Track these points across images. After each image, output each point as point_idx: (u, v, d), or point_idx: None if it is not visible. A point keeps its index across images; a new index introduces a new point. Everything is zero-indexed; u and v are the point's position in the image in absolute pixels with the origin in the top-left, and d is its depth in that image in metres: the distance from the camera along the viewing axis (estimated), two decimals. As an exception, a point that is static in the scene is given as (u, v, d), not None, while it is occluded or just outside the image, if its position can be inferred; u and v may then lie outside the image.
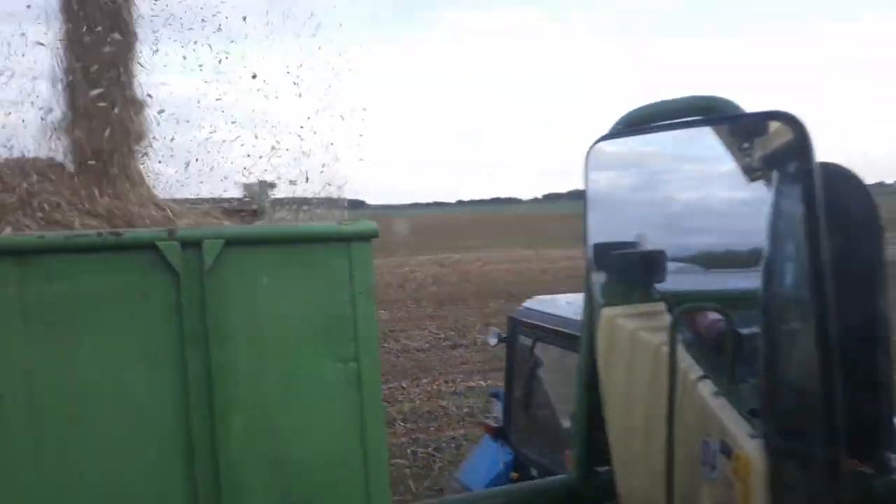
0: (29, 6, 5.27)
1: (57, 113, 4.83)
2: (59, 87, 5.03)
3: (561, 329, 5.02)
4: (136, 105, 5.40)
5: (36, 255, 3.09)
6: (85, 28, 5.06)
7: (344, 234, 3.55)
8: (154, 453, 3.26)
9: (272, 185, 6.13)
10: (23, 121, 4.94)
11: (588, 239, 1.44)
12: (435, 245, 37.27)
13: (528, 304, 6.17)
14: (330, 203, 6.55)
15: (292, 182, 5.97)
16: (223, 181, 5.82)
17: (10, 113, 5.15)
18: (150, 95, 5.26)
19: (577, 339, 4.72)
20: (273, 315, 3.44)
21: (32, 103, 5.04)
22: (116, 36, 5.23)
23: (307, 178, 6.39)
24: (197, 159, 5.85)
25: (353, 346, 3.56)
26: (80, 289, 3.15)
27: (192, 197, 5.56)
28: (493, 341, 6.72)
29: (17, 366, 3.07)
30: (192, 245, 3.26)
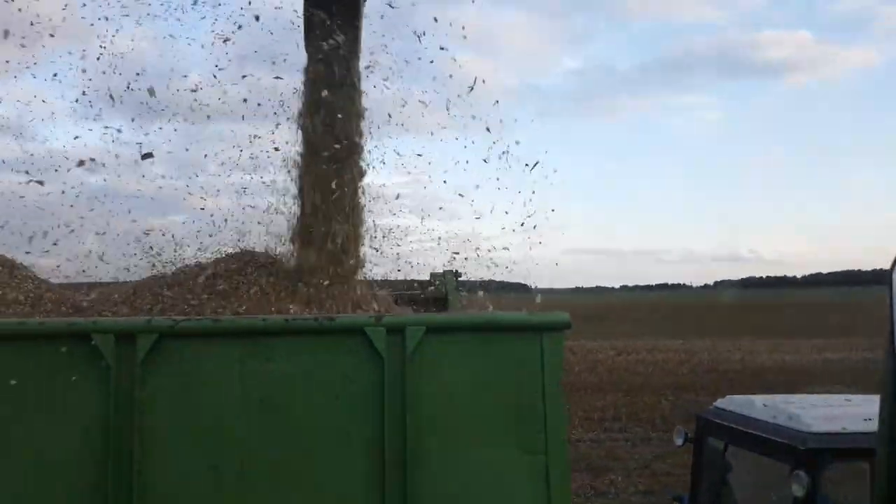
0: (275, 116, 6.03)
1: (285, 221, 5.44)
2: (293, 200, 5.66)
3: (759, 434, 4.67)
4: (359, 214, 5.96)
5: (258, 337, 3.36)
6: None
7: (537, 325, 3.57)
8: None
9: (458, 274, 6.32)
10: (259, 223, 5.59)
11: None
12: (600, 331, 36.32)
13: (720, 403, 5.81)
14: (506, 287, 6.66)
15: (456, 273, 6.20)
16: (403, 266, 6.12)
17: (244, 208, 5.82)
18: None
19: (775, 446, 4.35)
20: (466, 402, 3.49)
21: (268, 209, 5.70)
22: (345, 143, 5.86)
23: (494, 264, 6.58)
24: (378, 246, 6.20)
25: (542, 439, 3.52)
26: (294, 368, 3.38)
27: (378, 279, 5.84)
28: (679, 441, 6.33)
29: (232, 439, 3.31)
30: (396, 331, 3.42)
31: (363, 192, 5.87)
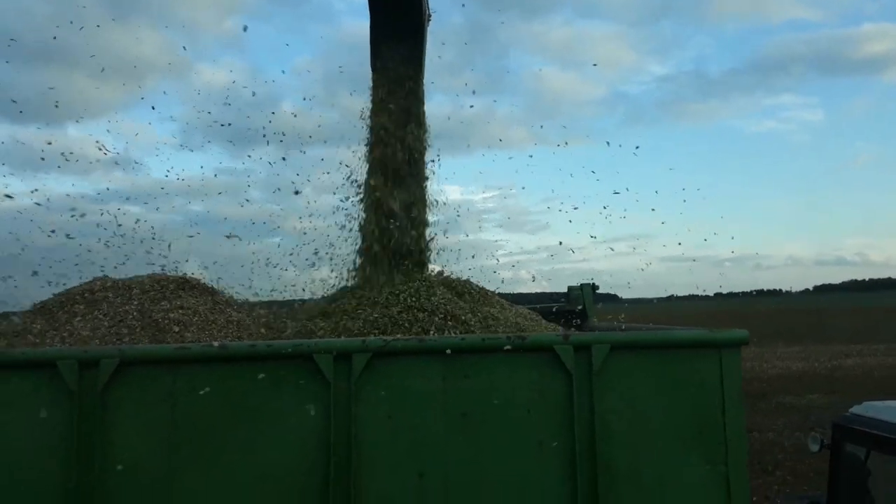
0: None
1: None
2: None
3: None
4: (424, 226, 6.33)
5: (457, 354, 3.67)
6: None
7: (716, 341, 3.74)
8: None
9: (595, 287, 6.53)
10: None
11: None
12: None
13: (857, 409, 5.76)
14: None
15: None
16: (493, 277, 6.32)
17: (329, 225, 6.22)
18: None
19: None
20: (649, 416, 3.69)
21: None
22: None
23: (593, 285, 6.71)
24: (473, 256, 6.44)
25: (722, 450, 3.69)
26: (489, 384, 3.67)
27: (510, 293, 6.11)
28: (815, 447, 6.30)
29: (436, 449, 3.62)
30: (583, 348, 3.67)
31: (429, 207, 6.28)
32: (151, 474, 3.48)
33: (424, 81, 6.64)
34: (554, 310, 6.32)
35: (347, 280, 6.12)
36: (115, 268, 5.52)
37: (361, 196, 6.34)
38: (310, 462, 3.55)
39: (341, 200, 6.39)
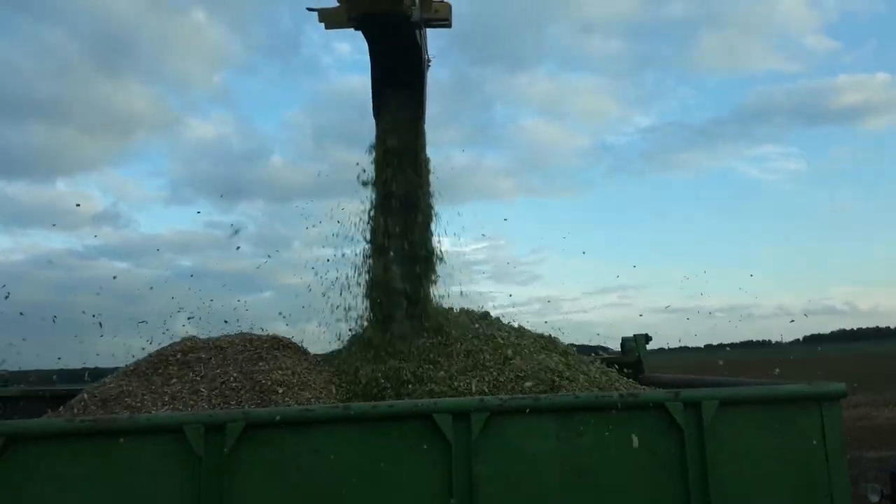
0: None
1: None
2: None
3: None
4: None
5: (570, 412, 3.75)
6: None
7: (816, 395, 3.86)
8: None
9: (648, 338, 6.63)
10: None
11: None
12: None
13: None
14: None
15: None
16: None
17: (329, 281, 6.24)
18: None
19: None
20: (758, 471, 3.78)
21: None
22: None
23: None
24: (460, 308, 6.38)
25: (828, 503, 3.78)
26: (603, 442, 3.74)
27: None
28: (874, 498, 6.38)
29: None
30: (692, 405, 3.76)
31: (437, 257, 6.30)
32: (277, 538, 3.49)
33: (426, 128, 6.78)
34: (603, 357, 6.35)
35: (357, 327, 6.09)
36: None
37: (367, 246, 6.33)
38: None
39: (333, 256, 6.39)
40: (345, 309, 6.00)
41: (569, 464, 3.71)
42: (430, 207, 6.45)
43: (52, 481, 3.42)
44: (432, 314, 5.75)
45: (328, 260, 6.33)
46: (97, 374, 5.78)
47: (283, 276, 6.69)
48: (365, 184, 6.50)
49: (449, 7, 6.69)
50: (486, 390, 4.71)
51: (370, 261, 6.17)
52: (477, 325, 5.54)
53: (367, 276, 6.11)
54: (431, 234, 6.35)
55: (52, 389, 5.66)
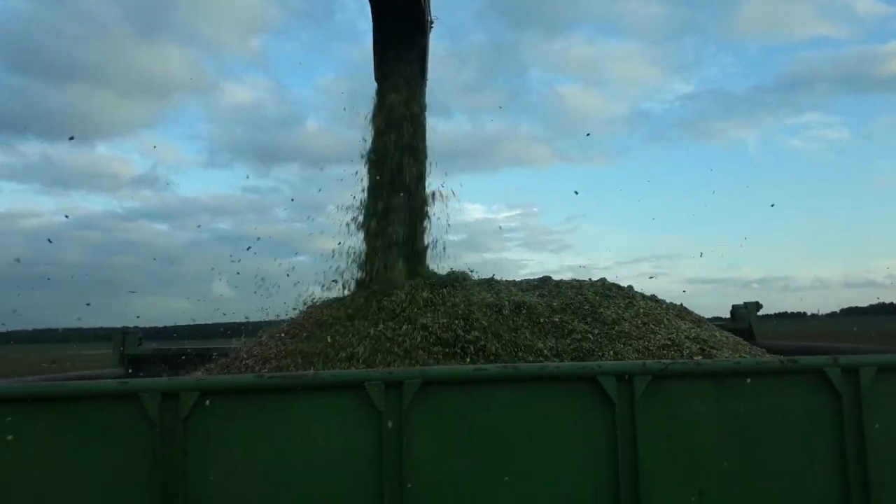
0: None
1: None
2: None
3: None
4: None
5: (730, 377, 3.84)
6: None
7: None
8: None
9: (759, 306, 6.69)
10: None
11: None
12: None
13: None
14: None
15: None
16: None
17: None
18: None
19: None
20: None
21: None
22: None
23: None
24: (493, 275, 6.57)
25: None
26: (761, 406, 3.83)
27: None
28: None
29: (713, 468, 3.78)
30: (851, 371, 3.84)
31: (428, 219, 6.57)
32: (451, 492, 3.63)
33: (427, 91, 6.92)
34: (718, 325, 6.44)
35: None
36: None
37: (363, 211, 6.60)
38: (600, 482, 3.70)
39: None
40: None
41: (727, 426, 3.81)
42: (423, 173, 6.65)
43: (240, 435, 3.58)
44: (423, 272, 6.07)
45: (347, 224, 6.60)
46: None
47: (318, 240, 6.89)
48: (363, 155, 6.75)
49: None
50: (635, 358, 4.81)
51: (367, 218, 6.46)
52: (594, 294, 5.62)
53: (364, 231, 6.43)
54: (426, 198, 6.60)
55: (180, 349, 5.86)
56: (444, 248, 6.54)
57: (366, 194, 6.56)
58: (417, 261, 6.34)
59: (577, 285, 5.90)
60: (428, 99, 6.97)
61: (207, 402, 3.55)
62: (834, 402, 3.84)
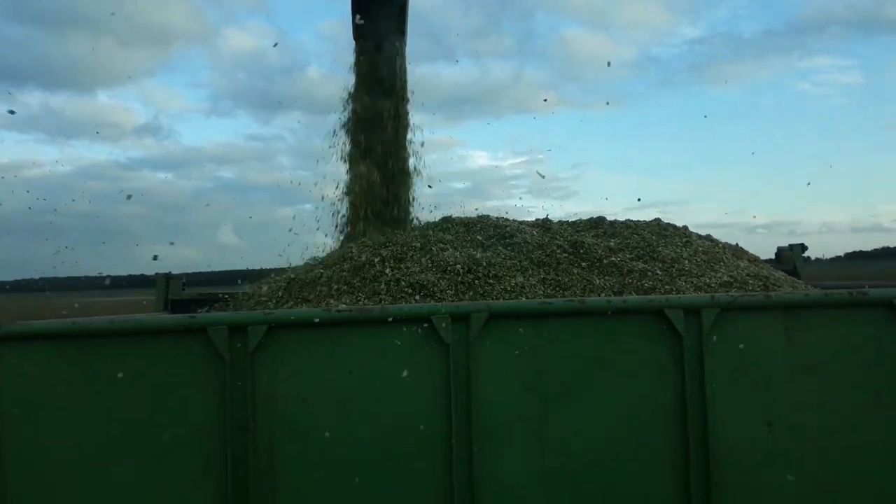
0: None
1: None
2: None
3: None
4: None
5: (799, 310, 3.80)
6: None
7: None
8: None
9: (804, 248, 6.63)
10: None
11: None
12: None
13: None
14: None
15: None
16: None
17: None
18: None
19: None
20: None
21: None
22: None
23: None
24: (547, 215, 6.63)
25: None
26: (830, 338, 3.79)
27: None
28: None
29: (782, 399, 3.76)
30: (922, 304, 3.79)
31: (415, 169, 6.86)
32: (519, 423, 3.63)
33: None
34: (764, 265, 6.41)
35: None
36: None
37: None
38: (666, 412, 3.70)
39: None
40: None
41: (795, 359, 3.78)
42: (405, 125, 6.83)
43: (308, 368, 3.57)
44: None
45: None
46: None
47: (322, 188, 6.96)
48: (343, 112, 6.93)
49: None
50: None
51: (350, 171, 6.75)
52: (649, 234, 5.55)
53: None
54: (407, 151, 6.85)
55: (224, 293, 5.86)
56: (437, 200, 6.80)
57: (348, 148, 6.73)
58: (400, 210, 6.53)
59: (632, 225, 5.82)
60: (434, 45, 7.11)
61: (276, 336, 3.53)
62: None
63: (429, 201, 7.05)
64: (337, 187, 7.00)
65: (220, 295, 5.94)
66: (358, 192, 6.82)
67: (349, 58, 7.07)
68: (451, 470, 3.54)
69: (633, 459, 3.66)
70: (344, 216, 6.86)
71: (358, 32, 7.01)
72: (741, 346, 3.76)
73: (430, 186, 7.10)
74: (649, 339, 3.74)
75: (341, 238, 6.83)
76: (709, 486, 3.66)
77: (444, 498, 3.56)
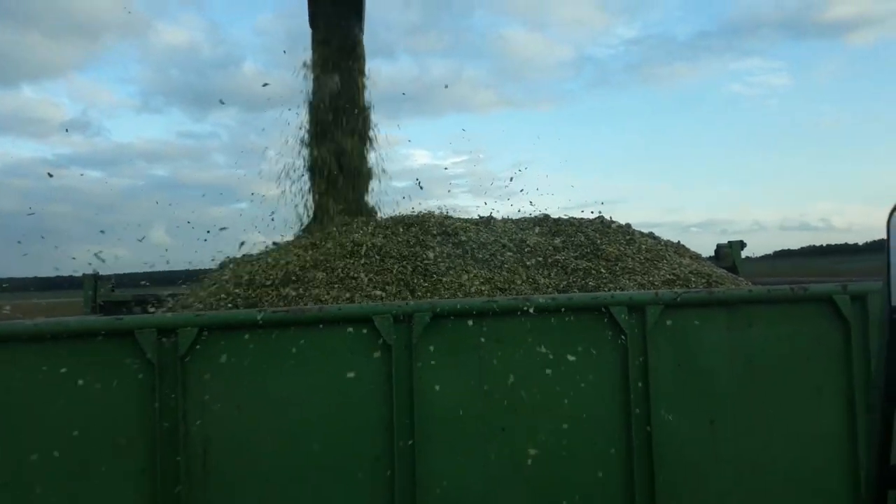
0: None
1: None
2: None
3: None
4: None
5: (741, 305, 3.81)
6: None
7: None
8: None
9: (743, 245, 6.71)
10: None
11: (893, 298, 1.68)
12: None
13: None
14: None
15: None
16: None
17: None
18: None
19: None
20: None
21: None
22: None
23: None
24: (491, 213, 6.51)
25: None
26: (771, 333, 3.82)
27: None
28: None
29: (725, 396, 3.76)
30: (859, 298, 3.84)
31: (372, 166, 6.58)
32: (464, 423, 3.55)
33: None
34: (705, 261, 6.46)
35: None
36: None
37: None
38: (613, 406, 3.66)
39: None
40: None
41: (737, 354, 3.79)
42: (366, 120, 6.63)
43: (241, 371, 3.41)
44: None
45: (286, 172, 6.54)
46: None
47: (257, 186, 6.74)
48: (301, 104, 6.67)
49: None
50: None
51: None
52: (593, 232, 5.53)
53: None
54: (367, 148, 6.60)
55: (159, 294, 5.62)
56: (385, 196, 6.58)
57: (306, 139, 6.51)
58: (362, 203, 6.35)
59: (576, 223, 5.79)
60: (372, 41, 6.86)
61: (208, 339, 3.36)
62: (842, 329, 3.85)
63: (374, 198, 6.91)
64: (292, 179, 6.69)
65: (165, 296, 5.69)
66: (318, 179, 6.53)
67: (284, 55, 6.80)
68: (394, 472, 3.44)
69: (578, 456, 3.62)
70: (300, 205, 6.56)
71: (315, 20, 6.78)
72: (685, 342, 3.75)
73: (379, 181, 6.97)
74: (594, 337, 3.69)
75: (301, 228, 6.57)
76: (653, 482, 3.64)
77: (386, 500, 3.45)
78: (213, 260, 5.97)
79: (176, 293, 5.48)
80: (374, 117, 6.86)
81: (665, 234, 6.16)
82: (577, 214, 6.06)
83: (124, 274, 6.52)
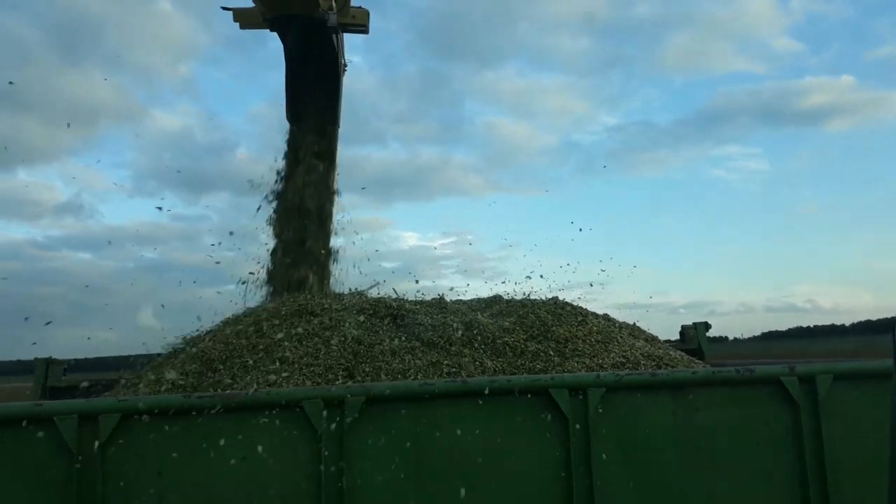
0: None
1: None
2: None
3: None
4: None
5: (687, 388, 3.71)
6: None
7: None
8: None
9: (708, 326, 6.62)
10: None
11: None
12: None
13: None
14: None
15: None
16: None
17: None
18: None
19: None
20: (873, 445, 3.74)
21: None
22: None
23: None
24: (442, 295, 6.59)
25: None
26: (719, 417, 3.70)
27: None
28: None
29: (672, 482, 3.61)
30: (807, 380, 3.74)
31: (332, 254, 6.95)
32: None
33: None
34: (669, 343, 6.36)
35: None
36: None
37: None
38: (553, 491, 3.51)
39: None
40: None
41: (684, 438, 3.67)
42: (330, 214, 6.97)
43: (165, 459, 3.30)
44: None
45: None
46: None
47: (248, 268, 6.95)
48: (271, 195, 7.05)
49: (367, 14, 7.05)
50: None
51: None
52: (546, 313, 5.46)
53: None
54: (329, 239, 6.96)
55: (111, 380, 5.53)
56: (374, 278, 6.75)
57: (274, 227, 6.79)
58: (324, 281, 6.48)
59: (528, 304, 5.73)
60: (364, 128, 7.33)
61: (130, 425, 3.27)
62: (791, 412, 3.74)
63: (356, 280, 6.97)
64: (259, 263, 6.88)
65: (122, 379, 5.59)
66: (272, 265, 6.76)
67: (277, 140, 7.12)
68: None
69: None
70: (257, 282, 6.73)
71: (292, 115, 7.07)
72: (628, 426, 3.64)
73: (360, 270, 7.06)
74: (535, 422, 3.59)
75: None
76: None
77: None
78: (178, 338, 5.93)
79: (130, 377, 5.39)
80: (356, 201, 7.12)
81: (654, 316, 6.13)
82: (564, 295, 6.01)
83: (101, 357, 6.48)
